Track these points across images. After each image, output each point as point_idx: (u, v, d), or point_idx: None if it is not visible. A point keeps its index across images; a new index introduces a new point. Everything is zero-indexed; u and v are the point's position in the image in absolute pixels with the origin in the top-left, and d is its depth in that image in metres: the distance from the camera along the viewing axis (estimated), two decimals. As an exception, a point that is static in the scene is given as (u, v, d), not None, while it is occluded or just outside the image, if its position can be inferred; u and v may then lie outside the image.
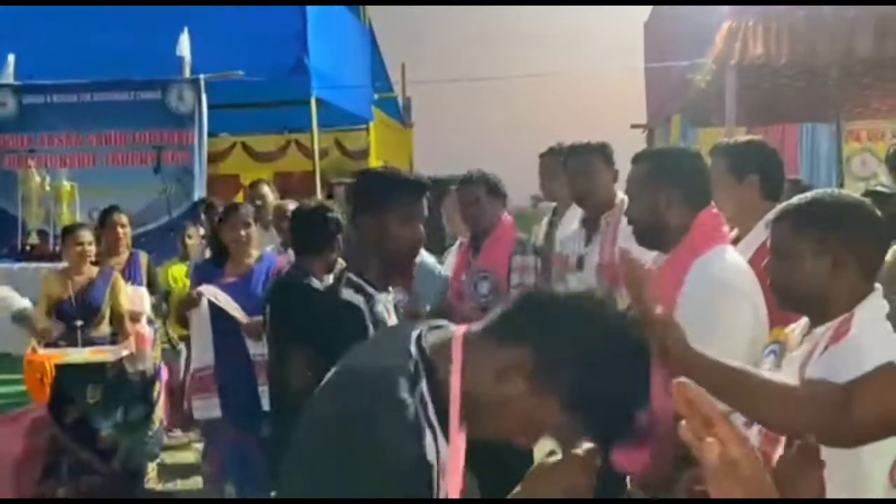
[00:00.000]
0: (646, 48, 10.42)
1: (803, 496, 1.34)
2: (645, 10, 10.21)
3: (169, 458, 5.61)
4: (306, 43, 7.32)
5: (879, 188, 4.74)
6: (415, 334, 1.28)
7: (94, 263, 4.86)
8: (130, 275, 5.11)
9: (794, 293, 1.80)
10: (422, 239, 2.46)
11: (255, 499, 3.88)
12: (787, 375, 1.72)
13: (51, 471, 4.41)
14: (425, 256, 4.00)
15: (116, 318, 4.77)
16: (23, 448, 4.36)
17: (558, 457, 1.40)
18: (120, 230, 5.19)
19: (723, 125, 6.62)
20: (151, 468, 5.15)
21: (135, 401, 4.70)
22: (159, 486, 5.20)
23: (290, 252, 4.25)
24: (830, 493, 1.42)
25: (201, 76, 6.87)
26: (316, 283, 3.34)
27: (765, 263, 1.90)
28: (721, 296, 2.20)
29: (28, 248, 6.21)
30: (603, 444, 1.34)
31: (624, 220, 2.90)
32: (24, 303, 4.76)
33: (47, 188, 6.27)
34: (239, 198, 8.67)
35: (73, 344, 4.61)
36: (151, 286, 5.25)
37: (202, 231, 5.65)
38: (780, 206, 1.95)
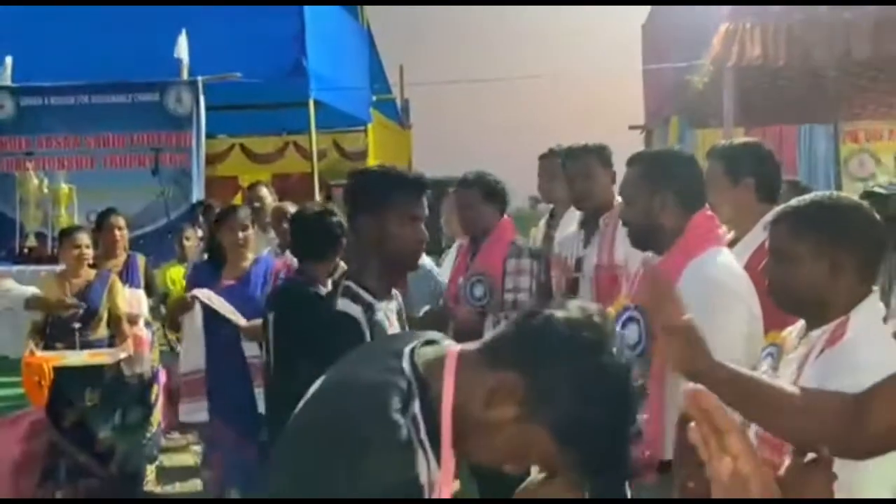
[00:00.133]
0: (643, 50, 10.43)
1: None
2: (643, 12, 10.22)
3: (167, 460, 5.61)
4: (304, 45, 7.32)
5: (877, 189, 4.75)
6: (408, 350, 1.25)
7: (92, 266, 4.85)
8: (128, 277, 5.11)
9: (792, 295, 1.80)
10: (424, 239, 2.36)
11: (253, 499, 3.88)
12: (785, 378, 1.72)
13: (49, 474, 4.41)
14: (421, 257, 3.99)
15: (114, 321, 4.76)
16: (21, 451, 4.35)
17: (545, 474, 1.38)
18: (117, 232, 5.19)
19: (721, 126, 6.63)
20: (150, 471, 5.14)
21: (133, 403, 4.70)
22: (158, 489, 5.20)
23: (288, 254, 4.25)
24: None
25: (199, 78, 6.87)
26: (322, 290, 3.31)
27: (763, 265, 1.90)
28: (715, 297, 2.21)
29: (26, 250, 6.20)
30: (591, 478, 1.29)
31: (622, 221, 2.90)
32: (31, 290, 4.75)
33: (45, 190, 6.26)
34: (237, 199, 8.67)
35: (71, 347, 4.60)
36: (149, 288, 5.24)
37: (200, 233, 5.64)
38: (778, 208, 1.95)
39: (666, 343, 1.40)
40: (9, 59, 7.04)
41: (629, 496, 2.73)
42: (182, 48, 6.78)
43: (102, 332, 4.75)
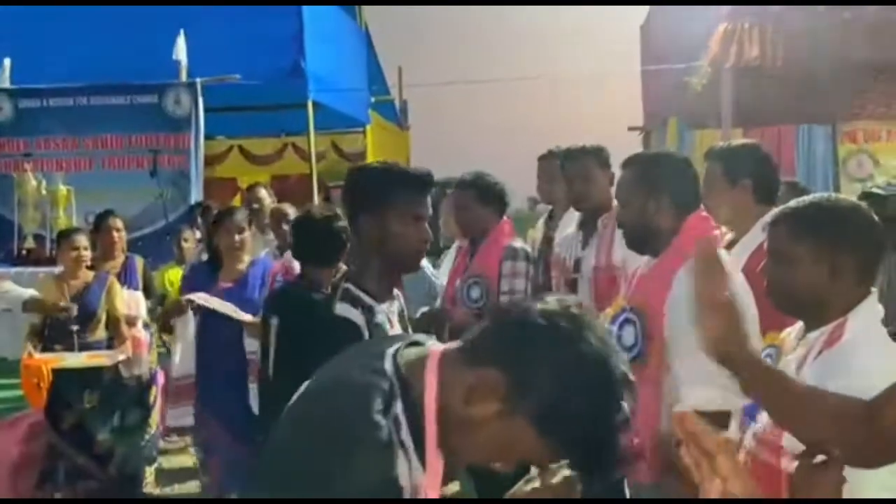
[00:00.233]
0: (642, 51, 10.45)
1: None
2: (641, 14, 10.24)
3: (166, 462, 5.60)
4: (303, 46, 7.32)
5: (876, 190, 4.75)
6: (391, 351, 1.25)
7: (90, 268, 4.84)
8: (126, 279, 5.10)
9: (791, 297, 1.81)
10: (428, 239, 2.24)
11: (250, 499, 3.87)
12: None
13: (48, 476, 4.40)
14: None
15: (113, 323, 4.75)
16: (20, 453, 4.35)
17: (535, 484, 1.37)
18: (115, 234, 5.18)
19: (719, 127, 6.65)
20: (149, 472, 5.13)
21: (131, 405, 4.69)
22: (157, 491, 5.19)
23: (287, 255, 4.24)
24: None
25: (198, 80, 6.88)
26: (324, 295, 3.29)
27: (761, 266, 1.90)
28: None
29: (24, 252, 6.20)
30: (582, 471, 1.29)
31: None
32: (29, 292, 4.75)
33: (43, 192, 6.26)
34: (236, 201, 8.67)
35: (70, 348, 4.59)
36: (147, 290, 5.23)
37: (198, 235, 5.64)
38: (777, 210, 1.95)
39: (705, 319, 1.35)
40: (7, 61, 7.05)
41: (628, 496, 2.74)
42: (180, 50, 6.79)
43: (101, 333, 4.74)
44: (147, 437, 4.92)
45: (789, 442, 1.66)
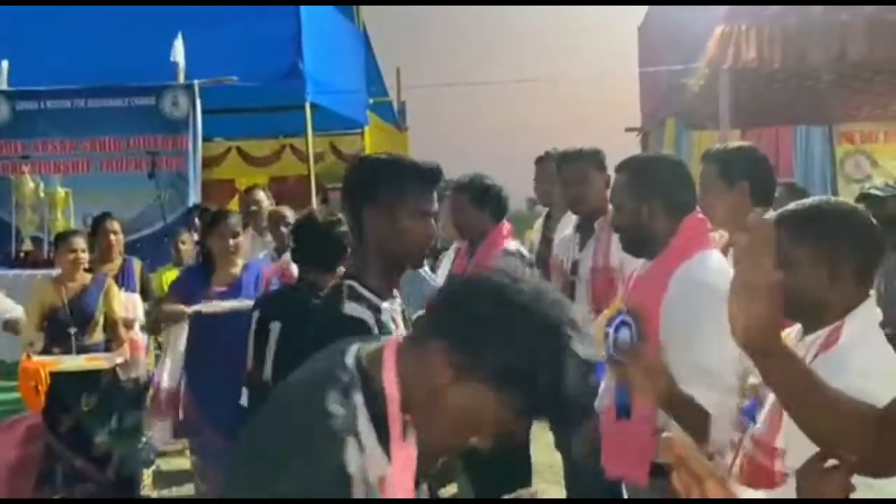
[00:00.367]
0: (640, 52, 10.46)
1: None
2: (639, 15, 10.25)
3: (164, 464, 5.59)
4: (301, 47, 7.32)
5: (874, 191, 4.76)
6: (354, 347, 1.30)
7: (88, 270, 4.84)
8: (124, 281, 5.10)
9: (790, 299, 1.79)
10: (434, 235, 2.16)
11: (247, 498, 3.85)
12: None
13: (46, 478, 4.40)
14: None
15: (110, 325, 4.75)
16: (17, 456, 4.34)
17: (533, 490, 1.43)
18: (112, 237, 5.18)
19: (717, 128, 6.65)
20: (146, 475, 5.13)
21: (129, 408, 4.69)
22: (154, 493, 5.18)
23: (284, 258, 4.23)
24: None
25: (196, 82, 6.88)
26: None
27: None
28: (705, 300, 2.21)
29: (22, 254, 6.20)
30: (551, 422, 1.33)
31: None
32: (17, 310, 4.75)
33: (41, 194, 6.26)
34: (234, 203, 8.67)
35: (68, 351, 4.59)
36: (145, 293, 5.23)
37: (196, 237, 5.64)
38: (776, 213, 1.95)
39: (744, 305, 1.30)
40: (4, 63, 7.04)
41: (626, 496, 2.74)
42: (178, 52, 6.78)
43: (99, 336, 4.74)
44: (144, 439, 4.92)
45: (783, 443, 1.67)
